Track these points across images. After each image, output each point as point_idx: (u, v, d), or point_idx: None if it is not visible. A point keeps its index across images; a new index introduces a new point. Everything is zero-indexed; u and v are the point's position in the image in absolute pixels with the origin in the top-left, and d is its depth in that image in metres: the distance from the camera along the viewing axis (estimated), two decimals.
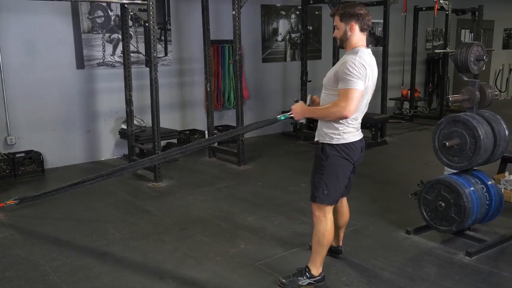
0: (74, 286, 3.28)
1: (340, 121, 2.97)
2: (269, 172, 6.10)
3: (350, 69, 2.83)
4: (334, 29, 3.08)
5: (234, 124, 6.91)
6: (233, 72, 7.26)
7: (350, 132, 3.03)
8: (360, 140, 3.12)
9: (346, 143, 3.02)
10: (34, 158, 6.05)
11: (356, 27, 2.97)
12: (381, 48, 8.49)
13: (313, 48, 8.86)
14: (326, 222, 3.11)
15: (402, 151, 7.24)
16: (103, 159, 6.85)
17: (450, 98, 3.94)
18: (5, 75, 5.94)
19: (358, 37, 2.99)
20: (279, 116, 3.25)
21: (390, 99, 9.15)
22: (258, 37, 8.32)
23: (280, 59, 8.66)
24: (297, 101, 3.15)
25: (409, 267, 3.52)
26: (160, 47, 7.05)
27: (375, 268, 3.49)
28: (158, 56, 5.63)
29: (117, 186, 5.47)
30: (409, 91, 9.85)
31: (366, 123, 7.46)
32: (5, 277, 3.43)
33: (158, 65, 5.58)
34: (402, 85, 9.81)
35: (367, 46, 3.06)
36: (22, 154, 6.04)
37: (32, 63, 6.13)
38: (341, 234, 3.60)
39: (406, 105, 9.98)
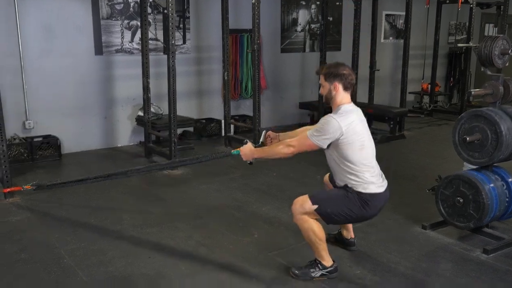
0: (88, 270, 3.30)
1: (358, 170, 3.01)
2: (285, 163, 6.01)
3: (323, 125, 2.99)
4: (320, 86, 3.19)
5: (251, 113, 6.87)
6: (251, 61, 7.21)
7: (373, 183, 3.06)
8: (384, 192, 3.13)
9: (371, 193, 3.04)
10: (51, 142, 6.11)
11: (340, 87, 3.07)
12: (402, 40, 8.38)
13: (332, 39, 8.77)
14: (309, 222, 3.06)
15: (420, 146, 7.14)
16: (119, 145, 6.89)
17: (473, 92, 3.85)
18: (25, 61, 5.98)
19: (342, 96, 3.09)
20: (232, 151, 3.39)
21: (409, 92, 9.03)
22: (277, 27, 8.25)
23: (299, 50, 8.59)
24: (246, 143, 3.28)
25: (424, 262, 3.47)
26: (178, 34, 7.04)
27: (389, 262, 3.44)
28: (176, 43, 5.62)
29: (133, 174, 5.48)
30: (430, 85, 9.69)
31: (385, 116, 7.40)
32: (20, 259, 3.47)
33: (176, 53, 5.56)
34: (423, 79, 9.66)
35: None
36: (40, 139, 6.11)
37: (51, 49, 6.16)
38: (351, 226, 3.57)
39: (426, 99, 9.83)
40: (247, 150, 3.23)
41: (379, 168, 3.18)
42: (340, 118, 2.97)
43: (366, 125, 3.17)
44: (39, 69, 6.11)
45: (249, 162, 3.28)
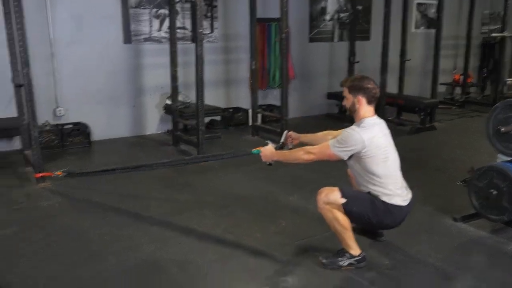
0: (117, 255, 3.34)
1: (382, 182, 3.01)
2: None
3: (345, 138, 2.99)
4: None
5: (278, 103, 6.83)
6: (279, 51, 7.15)
7: (399, 195, 3.05)
8: (408, 205, 3.10)
9: (395, 204, 3.03)
10: (81, 130, 6.20)
11: (364, 100, 3.06)
12: (433, 30, 8.19)
13: (362, 29, 8.62)
14: (333, 211, 3.04)
15: (452, 137, 6.98)
16: (147, 133, 6.95)
17: (508, 81, 3.74)
18: (55, 49, 6.08)
19: (366, 109, 3.08)
20: (253, 150, 3.37)
21: (441, 83, 8.83)
22: (306, 16, 8.17)
23: (328, 39, 8.48)
24: (267, 144, 3.30)
25: (455, 254, 3.39)
26: (206, 23, 7.03)
27: (419, 253, 3.38)
28: (204, 32, 5.60)
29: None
30: (462, 76, 9.46)
31: (415, 107, 7.26)
32: (51, 242, 3.54)
33: (204, 41, 5.55)
34: (455, 69, 9.44)
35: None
36: (70, 126, 6.21)
37: (81, 37, 6.24)
38: None
39: (458, 90, 9.60)
40: (268, 151, 3.26)
41: (403, 180, 3.16)
42: (362, 131, 2.98)
43: (390, 138, 3.15)
44: (69, 58, 6.19)
45: (268, 163, 3.30)
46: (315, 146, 3.15)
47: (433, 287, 3.02)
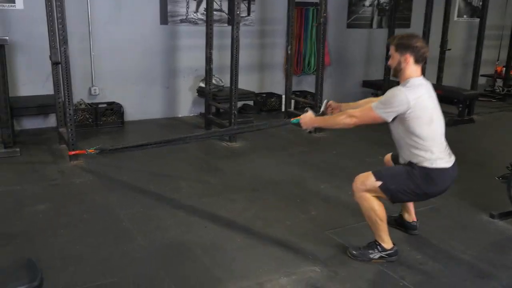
0: (145, 235, 3.35)
1: (425, 145, 2.87)
2: (345, 141, 5.90)
3: (390, 98, 2.86)
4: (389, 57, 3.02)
5: (312, 89, 6.73)
6: (316, 36, 7.02)
7: (441, 158, 2.92)
8: (452, 167, 2.97)
9: (438, 168, 2.89)
10: (115, 109, 6.25)
11: (411, 60, 2.91)
12: (477, 19, 7.88)
13: (402, 16, 8.37)
14: (370, 200, 2.94)
15: (491, 131, 6.75)
16: (180, 115, 6.96)
17: None
18: (93, 28, 6.12)
19: (412, 69, 2.93)
20: (292, 120, 3.37)
21: (481, 75, 8.52)
22: (345, 1, 7.98)
23: (366, 26, 8.28)
24: (306, 111, 3.20)
25: (491, 252, 3.27)
26: (243, 6, 6.95)
27: (453, 249, 3.27)
28: (240, 15, 5.54)
29: (192, 143, 5.51)
30: (504, 68, 9.11)
31: (453, 99, 7.05)
32: (83, 219, 3.58)
33: (240, 24, 5.48)
34: (497, 61, 9.09)
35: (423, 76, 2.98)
36: (104, 105, 6.27)
37: (118, 18, 6.26)
38: (412, 209, 3.42)
39: (499, 83, 9.26)
40: (308, 118, 3.17)
41: (447, 145, 3.01)
42: (408, 91, 2.83)
43: (436, 100, 2.99)
44: (106, 37, 6.23)
45: (308, 130, 3.22)
46: (357, 110, 3.02)
47: (466, 284, 2.91)
